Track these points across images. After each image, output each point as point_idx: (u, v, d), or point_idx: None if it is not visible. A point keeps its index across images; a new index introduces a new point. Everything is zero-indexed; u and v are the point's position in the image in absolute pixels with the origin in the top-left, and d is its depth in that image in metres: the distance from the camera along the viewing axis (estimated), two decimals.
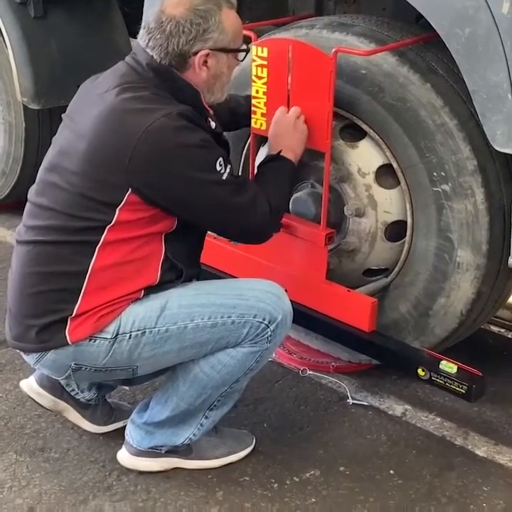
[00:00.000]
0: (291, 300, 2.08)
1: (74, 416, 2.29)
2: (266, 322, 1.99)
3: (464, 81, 2.08)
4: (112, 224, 1.89)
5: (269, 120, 2.39)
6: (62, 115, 2.09)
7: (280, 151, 2.17)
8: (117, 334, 1.94)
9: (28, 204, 2.03)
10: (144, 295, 1.98)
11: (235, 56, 2.03)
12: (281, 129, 2.25)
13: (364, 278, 2.55)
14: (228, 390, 2.07)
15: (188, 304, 1.99)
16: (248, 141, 2.59)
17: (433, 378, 2.26)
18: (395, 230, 2.43)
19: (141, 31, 1.97)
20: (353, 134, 2.43)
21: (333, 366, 2.63)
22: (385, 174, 2.40)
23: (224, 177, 1.93)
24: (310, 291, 2.48)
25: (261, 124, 2.43)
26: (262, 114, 2.41)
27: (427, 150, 2.24)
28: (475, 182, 2.19)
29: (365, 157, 2.41)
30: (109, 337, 1.94)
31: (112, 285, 1.94)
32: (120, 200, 1.88)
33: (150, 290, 1.99)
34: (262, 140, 2.59)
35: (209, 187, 1.92)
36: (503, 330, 2.94)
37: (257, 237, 2.13)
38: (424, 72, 2.23)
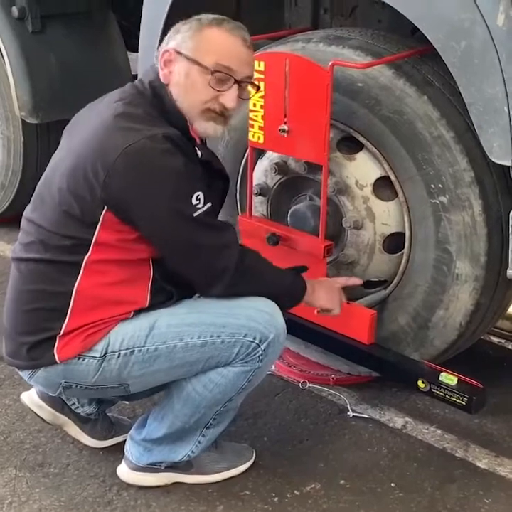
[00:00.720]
0: (290, 312, 2.08)
1: (74, 430, 2.28)
2: (256, 341, 1.96)
3: (461, 93, 2.09)
4: (93, 243, 1.88)
5: (266, 133, 2.40)
6: (64, 130, 2.10)
7: (305, 285, 2.09)
8: (106, 353, 1.93)
9: (23, 220, 2.04)
10: (133, 315, 1.97)
11: (206, 78, 1.88)
12: (328, 284, 2.21)
13: (363, 290, 2.55)
14: (222, 409, 2.06)
15: (177, 322, 1.96)
16: (246, 154, 2.59)
17: (433, 390, 2.26)
18: (394, 242, 2.44)
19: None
20: (351, 146, 2.44)
21: (332, 379, 2.63)
22: (383, 186, 2.40)
23: (196, 214, 1.85)
24: None
25: (258, 138, 2.44)
26: (260, 128, 2.41)
27: (424, 162, 2.24)
28: (472, 194, 2.20)
29: (362, 169, 2.41)
30: (98, 355, 1.93)
31: (99, 306, 1.93)
32: (98, 217, 1.86)
33: (140, 311, 1.98)
34: (259, 153, 2.60)
35: (177, 218, 1.85)
36: (503, 341, 2.93)
37: (207, 287, 1.97)
38: (420, 84, 2.24)
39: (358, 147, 2.41)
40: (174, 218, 1.86)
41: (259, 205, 2.66)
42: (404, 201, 2.34)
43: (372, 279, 2.53)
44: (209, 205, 1.88)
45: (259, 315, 1.97)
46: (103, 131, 1.88)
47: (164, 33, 2.65)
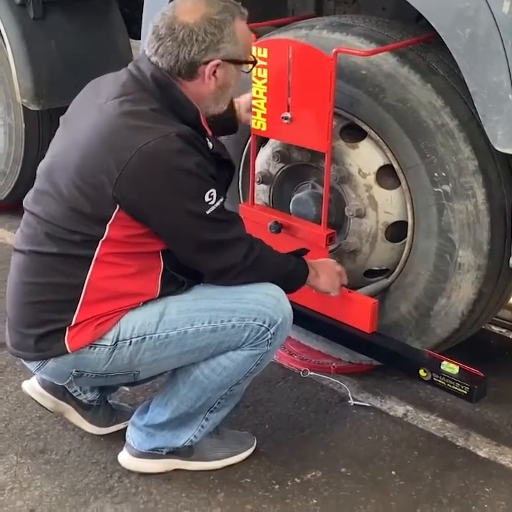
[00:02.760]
0: (292, 301, 2.08)
1: (75, 417, 2.29)
2: (266, 325, 1.98)
3: (465, 81, 2.08)
4: (103, 239, 1.88)
5: (269, 121, 2.39)
6: (61, 118, 2.08)
7: (308, 269, 2.14)
8: (117, 341, 1.94)
9: (25, 211, 2.02)
10: (142, 303, 1.97)
11: (241, 68, 1.99)
12: (329, 265, 2.27)
13: (365, 278, 2.54)
14: (228, 393, 2.07)
15: (187, 308, 1.98)
16: (248, 142, 2.58)
17: (434, 379, 2.26)
18: (396, 231, 2.43)
19: (150, 37, 1.92)
20: (354, 134, 2.43)
21: (334, 367, 2.63)
22: (386, 175, 2.39)
23: (209, 211, 1.87)
24: (311, 292, 2.47)
25: (261, 125, 2.42)
26: (262, 115, 2.40)
27: (428, 150, 2.23)
28: (476, 182, 2.19)
29: (365, 158, 2.40)
30: (109, 344, 1.94)
31: (110, 298, 1.93)
32: (109, 216, 1.86)
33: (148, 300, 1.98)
34: (262, 141, 2.59)
35: (190, 217, 1.87)
36: (504, 330, 2.93)
37: (216, 278, 2.00)
38: (424, 72, 2.23)
39: (362, 135, 2.40)
40: (187, 217, 1.88)
41: (261, 193, 2.65)
42: (407, 190, 2.34)
43: (375, 268, 2.53)
44: (221, 200, 1.90)
45: (268, 299, 2.00)
46: (111, 129, 1.85)
47: None
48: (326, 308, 2.46)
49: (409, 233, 2.38)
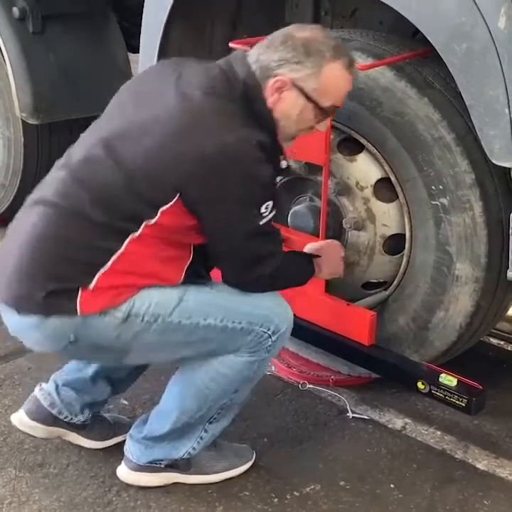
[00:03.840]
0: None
1: (72, 437, 2.28)
2: (269, 332, 1.99)
3: (462, 95, 2.09)
4: (152, 223, 1.85)
5: None
6: (125, 85, 2.02)
7: (313, 270, 2.18)
8: (129, 315, 1.89)
9: (59, 169, 1.94)
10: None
11: (315, 114, 1.92)
12: (332, 251, 2.29)
13: (363, 291, 2.55)
14: (228, 403, 2.07)
15: (204, 301, 1.97)
16: None
17: (433, 391, 2.26)
18: (394, 243, 2.44)
19: (260, 44, 1.91)
20: (351, 147, 2.44)
21: (332, 379, 2.63)
22: (384, 188, 2.40)
23: (261, 222, 1.88)
24: (310, 304, 2.48)
25: None
26: None
27: (425, 164, 2.24)
28: (473, 195, 2.20)
29: (363, 171, 2.42)
30: (121, 316, 1.89)
31: (135, 273, 1.90)
32: (166, 203, 1.84)
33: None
34: None
35: (244, 224, 1.89)
36: (502, 342, 2.94)
37: (237, 284, 2.00)
38: (421, 86, 2.24)
39: (359, 148, 2.42)
40: (241, 223, 1.89)
41: None
42: (404, 203, 2.35)
43: (373, 281, 2.54)
44: (273, 212, 1.91)
45: (277, 306, 2.02)
46: (197, 117, 1.82)
47: (165, 35, 2.67)
48: (325, 321, 2.47)
49: (407, 246, 2.39)
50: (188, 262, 1.97)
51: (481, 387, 2.23)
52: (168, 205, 1.84)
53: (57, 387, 2.23)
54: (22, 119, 3.39)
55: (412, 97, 2.23)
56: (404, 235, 2.39)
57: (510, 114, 1.98)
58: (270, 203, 1.87)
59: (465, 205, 2.21)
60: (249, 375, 2.03)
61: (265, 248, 1.96)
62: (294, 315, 2.29)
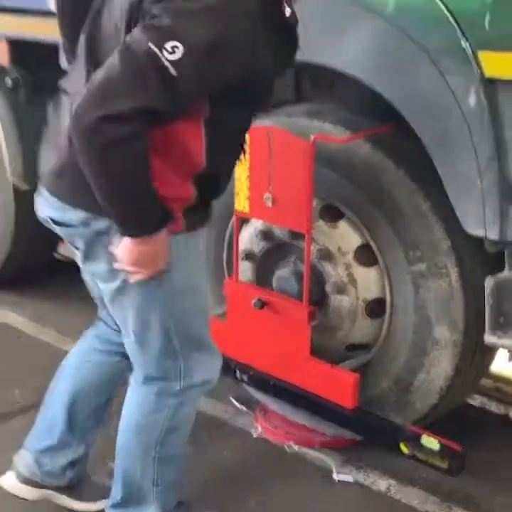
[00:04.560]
0: (275, 377, 2.13)
1: (62, 500, 2.30)
2: (183, 374, 2.00)
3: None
4: None
5: (251, 202, 2.49)
6: None
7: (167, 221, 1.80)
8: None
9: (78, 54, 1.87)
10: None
11: None
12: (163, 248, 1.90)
13: (347, 353, 2.61)
14: (157, 456, 2.07)
15: (185, 285, 1.92)
16: (231, 221, 2.68)
17: (415, 454, 2.31)
18: (376, 307, 2.51)
19: None
20: (333, 214, 2.53)
21: (318, 441, 2.67)
22: (364, 253, 2.48)
23: (169, 58, 1.59)
24: (294, 367, 2.53)
25: (244, 206, 2.52)
26: (245, 197, 2.50)
27: (403, 231, 2.33)
28: (449, 262, 2.28)
29: (344, 237, 2.50)
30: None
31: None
32: None
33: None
34: (245, 219, 2.69)
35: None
36: (486, 399, 2.98)
37: (81, 126, 1.63)
38: (397, 157, 2.34)
39: (340, 215, 2.51)
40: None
41: (245, 270, 2.73)
42: (384, 268, 2.43)
43: (356, 343, 2.60)
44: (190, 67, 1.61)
45: (214, 357, 2.08)
46: None
47: None
48: (308, 383, 2.52)
49: (387, 310, 2.46)
50: (204, 144, 1.76)
51: (461, 448, 2.28)
52: None
53: (34, 456, 2.25)
54: (13, 185, 3.47)
55: (389, 167, 2.33)
56: (385, 299, 2.46)
57: (482, 186, 2.08)
58: (179, 45, 1.59)
59: (442, 270, 2.29)
60: (166, 425, 2.04)
61: (144, 92, 1.61)
62: (281, 377, 2.35)
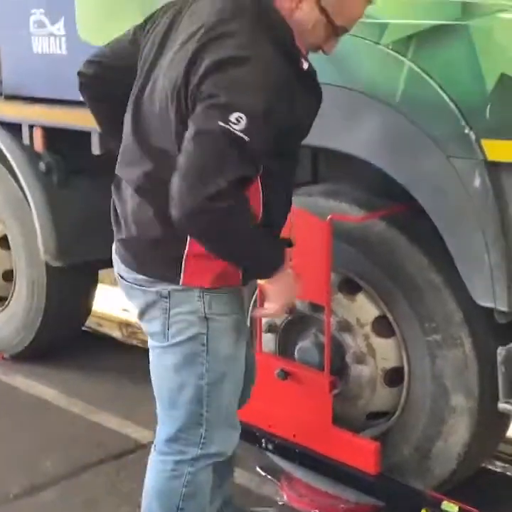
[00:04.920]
0: (300, 444, 2.21)
1: None
2: (201, 443, 2.10)
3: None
4: None
5: None
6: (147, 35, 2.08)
7: (283, 258, 2.00)
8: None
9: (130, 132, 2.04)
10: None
11: (326, 31, 1.95)
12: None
13: (367, 422, 2.70)
14: None
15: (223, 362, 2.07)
16: (255, 294, 2.81)
17: None
18: (394, 376, 2.62)
19: None
20: (351, 288, 2.66)
21: (342, 508, 2.74)
22: (382, 324, 2.61)
23: (237, 128, 1.78)
24: (317, 435, 2.63)
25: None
26: None
27: (418, 304, 2.46)
28: (463, 332, 2.40)
29: (362, 309, 2.63)
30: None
31: None
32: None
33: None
34: None
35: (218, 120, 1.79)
36: (507, 465, 3.04)
37: (188, 211, 1.80)
38: (411, 234, 2.49)
39: (358, 289, 2.64)
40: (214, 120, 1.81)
41: (268, 342, 2.86)
42: (401, 338, 2.55)
43: (376, 411, 2.70)
44: (255, 136, 1.81)
45: (233, 431, 2.18)
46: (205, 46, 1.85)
47: None
48: (331, 451, 2.61)
49: (405, 379, 2.57)
50: (261, 199, 1.95)
51: None
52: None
53: None
54: (46, 262, 3.65)
55: (403, 244, 2.48)
56: (403, 368, 2.57)
57: (489, 261, 2.22)
58: (242, 115, 1.77)
59: (456, 341, 2.41)
60: (184, 491, 2.14)
61: (231, 166, 1.79)
62: (304, 445, 2.45)
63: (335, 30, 1.97)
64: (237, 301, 2.12)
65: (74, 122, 3.33)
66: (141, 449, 3.16)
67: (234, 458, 2.46)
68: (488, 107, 2.11)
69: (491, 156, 2.16)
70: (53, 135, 3.53)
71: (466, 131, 2.16)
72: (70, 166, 3.61)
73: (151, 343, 2.14)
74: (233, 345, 2.09)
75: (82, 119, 3.28)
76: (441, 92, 2.19)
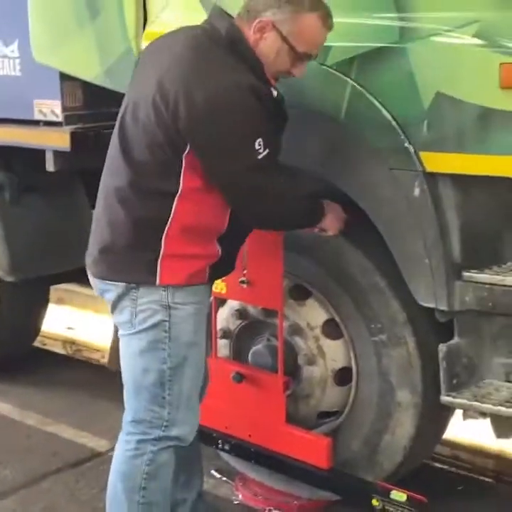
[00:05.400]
0: (255, 443, 2.36)
1: None
2: (167, 423, 2.27)
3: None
4: (182, 170, 2.15)
5: (228, 285, 2.76)
6: (134, 70, 2.38)
7: (323, 213, 2.42)
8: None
9: (115, 143, 2.26)
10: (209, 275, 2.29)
11: (291, 58, 2.18)
12: (335, 207, 2.51)
13: (319, 420, 2.85)
14: (141, 501, 2.31)
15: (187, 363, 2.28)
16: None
17: (386, 507, 2.54)
18: (343, 376, 2.77)
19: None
20: (301, 293, 2.82)
21: (295, 505, 2.87)
22: (331, 327, 2.77)
23: (259, 157, 2.11)
24: (272, 434, 2.77)
25: (221, 288, 2.80)
26: (222, 280, 2.78)
27: (364, 306, 2.63)
28: (406, 332, 2.58)
29: (312, 313, 2.79)
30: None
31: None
32: (183, 147, 2.13)
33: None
34: (221, 301, 2.96)
35: (243, 158, 2.13)
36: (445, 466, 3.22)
37: (256, 217, 2.29)
38: (357, 241, 2.66)
39: (308, 294, 2.80)
40: (240, 159, 2.14)
41: (223, 347, 2.98)
42: (349, 340, 2.71)
43: (327, 410, 2.85)
44: (268, 150, 2.13)
45: (196, 419, 2.37)
46: (183, 70, 2.11)
47: None
48: (286, 448, 2.75)
49: (354, 378, 2.73)
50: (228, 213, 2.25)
51: (426, 500, 2.51)
52: (186, 150, 2.13)
53: None
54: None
55: (349, 250, 2.65)
56: (351, 368, 2.73)
57: (430, 263, 2.40)
58: (261, 140, 2.10)
59: (400, 340, 2.59)
60: (146, 470, 2.29)
61: (267, 182, 2.19)
62: (259, 444, 2.57)
63: (299, 56, 2.19)
64: (200, 293, 2.31)
65: (28, 141, 3.42)
66: (98, 457, 3.25)
67: (200, 457, 2.59)
68: (425, 122, 2.31)
69: (429, 168, 2.35)
70: (6, 153, 3.61)
71: (406, 144, 2.35)
72: (22, 183, 3.69)
73: (120, 332, 2.32)
74: (193, 332, 2.28)
75: (37, 138, 3.39)
76: (382, 109, 2.37)
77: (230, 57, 2.14)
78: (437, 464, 3.21)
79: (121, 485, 2.32)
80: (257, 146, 2.11)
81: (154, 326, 2.23)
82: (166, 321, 2.23)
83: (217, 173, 2.18)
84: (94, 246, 2.31)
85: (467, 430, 3.19)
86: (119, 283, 2.24)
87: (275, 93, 2.22)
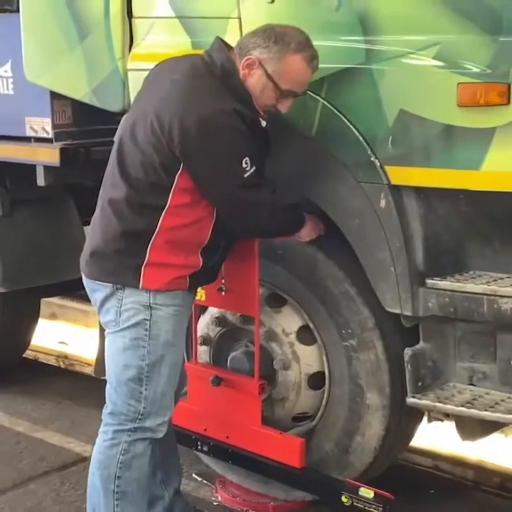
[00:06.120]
0: (232, 444, 2.47)
1: None
2: (140, 416, 2.44)
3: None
4: (173, 188, 2.35)
5: (207, 292, 2.90)
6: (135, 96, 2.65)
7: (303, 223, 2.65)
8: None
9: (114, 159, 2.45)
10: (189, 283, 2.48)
11: (276, 93, 2.39)
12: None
13: (293, 423, 2.97)
14: (116, 490, 2.45)
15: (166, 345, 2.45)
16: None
17: (354, 503, 2.66)
18: (317, 380, 2.90)
19: (249, 31, 2.43)
20: (277, 300, 2.95)
21: (272, 505, 2.99)
22: (305, 333, 2.90)
23: (246, 175, 2.33)
24: (248, 436, 2.89)
25: (201, 296, 2.93)
26: (201, 288, 2.91)
27: (335, 313, 2.77)
28: (375, 336, 2.71)
29: (287, 320, 2.92)
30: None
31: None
32: (176, 167, 2.33)
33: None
34: (202, 309, 3.09)
35: (232, 177, 2.35)
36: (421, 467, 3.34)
37: (248, 228, 2.54)
38: (328, 251, 2.80)
39: (283, 301, 2.93)
40: (229, 178, 2.35)
41: (203, 353, 3.11)
42: (322, 345, 2.84)
43: (301, 414, 2.97)
44: (254, 167, 2.35)
45: (168, 415, 2.51)
46: (179, 95, 2.32)
47: None
48: (261, 449, 2.87)
49: (326, 381, 2.86)
50: (212, 225, 2.45)
51: (393, 497, 2.63)
52: (179, 170, 2.33)
53: None
54: None
55: (321, 259, 2.79)
56: (324, 372, 2.86)
57: (395, 271, 2.54)
58: (248, 159, 2.32)
59: (369, 344, 2.72)
60: (120, 459, 2.44)
61: (255, 197, 2.41)
62: (236, 445, 2.69)
63: (283, 93, 2.40)
64: (179, 297, 2.48)
65: (20, 156, 3.57)
66: (83, 461, 3.36)
67: (177, 456, 2.72)
68: (390, 138, 2.46)
69: (394, 181, 2.50)
70: None
71: (372, 159, 2.50)
72: (14, 197, 3.83)
73: (106, 331, 2.49)
74: (172, 332, 2.46)
75: (28, 153, 3.54)
76: (350, 125, 2.52)
77: (223, 88, 2.37)
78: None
79: (98, 473, 2.47)
80: (244, 165, 2.33)
81: (136, 324, 2.42)
82: (147, 320, 2.42)
83: (210, 190, 2.40)
84: (88, 249, 2.51)
85: (447, 440, 3.31)
86: (107, 284, 2.44)
87: (264, 123, 2.45)
